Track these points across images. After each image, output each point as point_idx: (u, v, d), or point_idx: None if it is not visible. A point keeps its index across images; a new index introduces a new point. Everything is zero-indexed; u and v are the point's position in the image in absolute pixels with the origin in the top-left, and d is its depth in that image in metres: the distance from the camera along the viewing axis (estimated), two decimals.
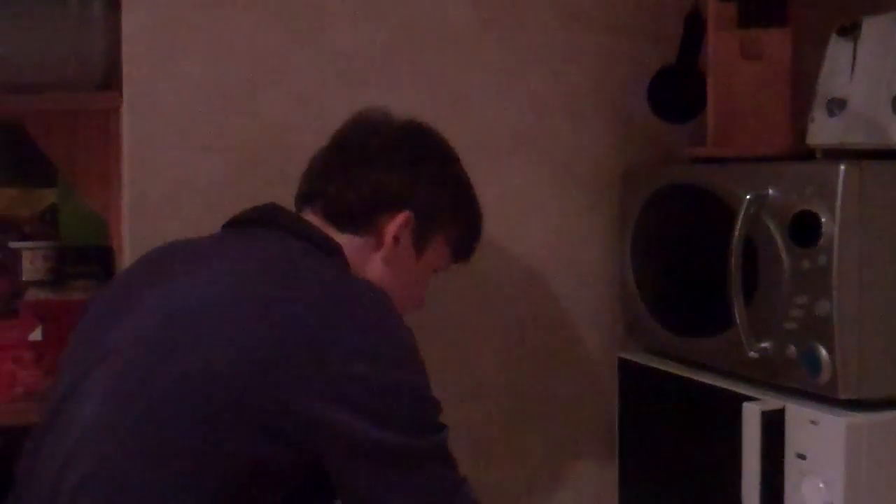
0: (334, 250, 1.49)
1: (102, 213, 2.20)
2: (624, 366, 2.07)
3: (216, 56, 1.93)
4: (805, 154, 1.88)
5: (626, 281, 2.08)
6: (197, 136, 1.94)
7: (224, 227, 1.59)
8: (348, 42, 1.99)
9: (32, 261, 2.23)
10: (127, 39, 1.91)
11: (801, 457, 1.62)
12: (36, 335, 1.93)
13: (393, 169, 1.55)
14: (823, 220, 1.60)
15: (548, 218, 2.16)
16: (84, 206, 2.27)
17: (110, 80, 2.00)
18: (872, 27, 1.84)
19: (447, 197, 1.60)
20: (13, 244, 2.30)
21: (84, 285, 2.20)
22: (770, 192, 1.70)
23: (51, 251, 2.27)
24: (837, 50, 1.89)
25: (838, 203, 1.58)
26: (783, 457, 1.65)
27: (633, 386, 2.05)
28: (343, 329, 1.27)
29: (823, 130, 1.87)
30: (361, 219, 1.54)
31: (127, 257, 1.93)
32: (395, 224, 1.53)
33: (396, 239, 1.53)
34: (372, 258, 1.54)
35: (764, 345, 1.70)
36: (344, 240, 1.52)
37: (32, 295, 2.10)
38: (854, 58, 1.86)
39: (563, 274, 2.17)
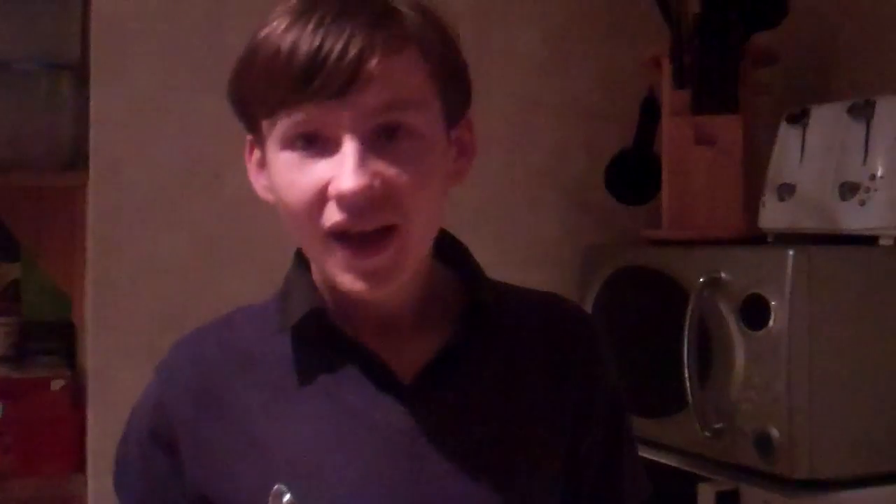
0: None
1: (66, 288, 2.22)
2: None
3: (183, 137, 1.97)
4: (757, 237, 1.93)
5: None
6: (162, 215, 1.96)
7: None
8: None
9: None
10: (95, 119, 1.94)
11: None
12: None
13: None
14: (773, 303, 1.64)
15: None
16: (47, 281, 2.28)
17: (77, 158, 2.02)
18: (820, 115, 1.91)
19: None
20: None
21: (47, 361, 2.20)
22: (722, 275, 1.74)
23: (13, 327, 2.26)
24: (787, 136, 1.96)
25: (787, 288, 1.63)
26: None
27: None
28: None
29: (774, 214, 1.93)
30: None
31: (90, 333, 1.95)
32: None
33: (254, 176, 1.07)
34: None
35: (718, 426, 1.73)
36: None
37: None
38: (803, 144, 1.92)
39: None
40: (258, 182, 1.06)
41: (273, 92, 0.95)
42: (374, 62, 0.92)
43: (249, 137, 1.05)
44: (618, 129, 2.22)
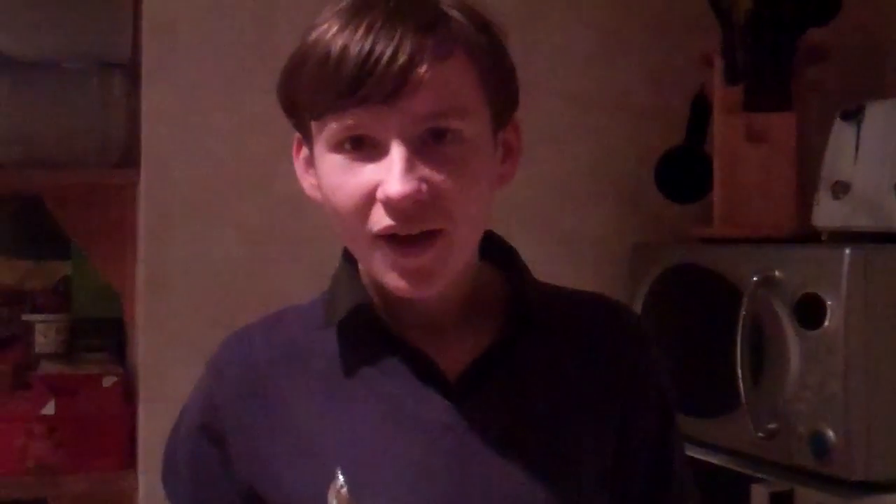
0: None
1: (116, 286, 2.23)
2: None
3: (233, 135, 1.97)
4: (810, 235, 1.90)
5: None
6: (212, 213, 1.98)
7: None
8: None
9: (45, 333, 2.25)
10: (146, 117, 1.96)
11: None
12: (48, 409, 1.94)
13: None
14: (829, 303, 1.62)
15: None
16: (97, 278, 2.30)
17: (129, 156, 2.04)
18: (875, 112, 1.87)
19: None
20: (26, 316, 2.32)
21: (97, 358, 2.22)
22: (776, 273, 1.72)
23: (63, 324, 2.29)
24: (841, 134, 1.92)
25: (844, 287, 1.60)
26: None
27: None
28: None
29: (828, 213, 1.90)
30: None
31: (141, 330, 1.96)
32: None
33: (301, 174, 1.07)
34: None
35: (772, 426, 1.71)
36: None
37: (45, 368, 2.12)
38: (857, 141, 1.89)
39: None
40: (306, 180, 1.06)
41: (322, 96, 0.96)
42: (423, 68, 0.93)
43: (297, 135, 1.05)
44: (668, 127, 2.20)
